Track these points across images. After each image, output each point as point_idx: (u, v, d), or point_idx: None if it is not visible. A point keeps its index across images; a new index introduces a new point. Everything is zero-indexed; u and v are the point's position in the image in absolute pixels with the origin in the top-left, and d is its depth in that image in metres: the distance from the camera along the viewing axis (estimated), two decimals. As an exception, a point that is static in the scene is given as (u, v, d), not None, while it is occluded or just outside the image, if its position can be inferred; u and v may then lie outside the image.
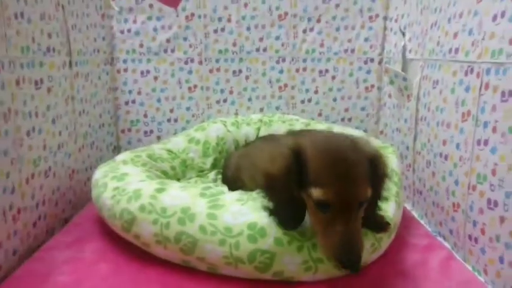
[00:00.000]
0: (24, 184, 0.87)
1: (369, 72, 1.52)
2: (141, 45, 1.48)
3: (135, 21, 1.46)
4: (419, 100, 1.13)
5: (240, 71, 1.52)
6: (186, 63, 1.50)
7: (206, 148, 1.34)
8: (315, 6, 1.46)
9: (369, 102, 1.54)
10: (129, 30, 1.46)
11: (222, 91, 1.53)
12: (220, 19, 1.47)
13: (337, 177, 0.65)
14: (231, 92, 1.54)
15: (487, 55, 0.80)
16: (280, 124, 1.43)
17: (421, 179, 1.12)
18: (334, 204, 0.65)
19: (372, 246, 0.79)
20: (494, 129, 0.78)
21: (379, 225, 0.81)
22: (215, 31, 1.47)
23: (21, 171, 0.86)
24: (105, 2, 1.42)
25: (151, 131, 1.56)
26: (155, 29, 1.47)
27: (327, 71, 1.52)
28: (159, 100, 1.53)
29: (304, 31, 1.48)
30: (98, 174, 0.99)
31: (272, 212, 0.76)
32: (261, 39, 1.49)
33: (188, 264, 0.80)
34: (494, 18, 0.78)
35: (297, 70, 1.52)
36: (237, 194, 0.86)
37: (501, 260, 0.75)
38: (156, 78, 1.51)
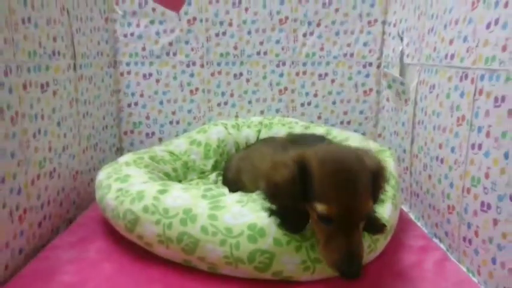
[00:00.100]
0: (30, 185, 0.89)
1: (367, 76, 1.54)
2: (144, 49, 1.50)
3: (138, 25, 1.48)
4: (416, 104, 1.15)
5: (241, 74, 1.54)
6: (187, 66, 1.53)
7: (207, 150, 1.36)
8: (315, 10, 1.48)
9: (368, 106, 1.57)
10: (132, 34, 1.49)
11: (223, 94, 1.56)
12: (221, 23, 1.49)
13: (341, 194, 0.66)
14: (232, 95, 1.56)
15: (481, 61, 0.82)
16: (280, 127, 1.45)
17: (418, 182, 1.14)
18: (337, 219, 0.66)
19: (369, 248, 0.81)
20: (487, 134, 0.80)
21: (376, 227, 0.83)
22: (217, 35, 1.50)
23: (28, 172, 0.88)
24: (109, 6, 1.44)
25: (154, 133, 1.58)
26: (158, 33, 1.49)
27: (326, 74, 1.54)
28: (161, 102, 1.55)
29: (304, 35, 1.51)
30: (102, 175, 1.01)
31: (273, 213, 0.78)
32: (261, 43, 1.51)
33: (189, 264, 0.82)
34: (488, 26, 0.81)
35: (297, 73, 1.54)
36: (237, 195, 0.88)
37: (493, 261, 0.78)
38: (158, 81, 1.53)
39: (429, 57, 1.08)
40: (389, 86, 1.35)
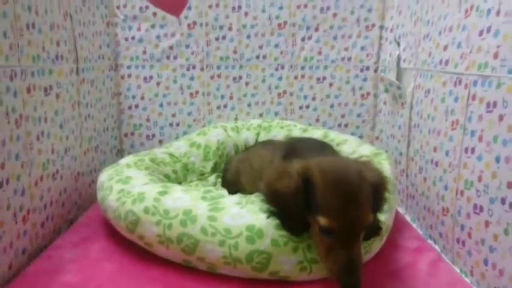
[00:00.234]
0: (33, 186, 0.91)
1: (365, 79, 1.56)
2: (145, 52, 1.52)
3: (139, 29, 1.50)
4: (412, 108, 1.17)
5: (240, 78, 1.56)
6: (188, 69, 1.55)
7: (207, 152, 1.38)
8: (313, 15, 1.51)
9: (365, 109, 1.59)
10: (133, 38, 1.51)
11: (222, 97, 1.58)
12: (221, 27, 1.51)
13: (344, 208, 0.69)
14: (231, 98, 1.58)
15: (474, 68, 0.85)
16: (279, 129, 1.47)
17: (414, 184, 1.16)
18: (338, 232, 0.69)
19: (364, 249, 0.83)
20: (480, 138, 0.82)
21: (371, 229, 0.85)
22: (216, 39, 1.52)
23: (31, 174, 0.90)
24: (110, 11, 1.46)
25: (154, 135, 1.60)
26: (158, 37, 1.51)
27: (324, 78, 1.56)
28: (161, 105, 1.57)
29: (303, 39, 1.53)
30: (103, 177, 1.03)
31: (272, 214, 0.80)
32: (260, 47, 1.54)
33: (189, 264, 0.84)
34: (481, 33, 0.83)
35: (296, 77, 1.56)
36: (236, 197, 0.90)
37: (485, 262, 0.80)
38: (158, 84, 1.55)
39: (425, 62, 1.10)
40: (386, 90, 1.37)
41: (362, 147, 1.22)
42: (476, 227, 0.83)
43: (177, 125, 1.59)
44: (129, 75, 1.54)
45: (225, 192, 0.93)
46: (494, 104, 0.78)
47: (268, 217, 0.80)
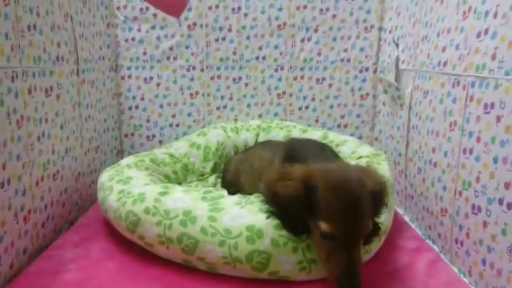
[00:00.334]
0: (34, 187, 0.92)
1: (364, 80, 1.57)
2: (145, 53, 1.53)
3: (139, 30, 1.51)
4: (411, 109, 1.18)
5: (240, 79, 1.57)
6: (188, 70, 1.55)
7: (207, 153, 1.39)
8: (313, 16, 1.51)
9: (364, 110, 1.59)
10: (133, 39, 1.52)
11: (222, 98, 1.58)
12: (221, 28, 1.52)
13: (345, 215, 0.70)
14: (231, 99, 1.59)
15: (472, 69, 0.85)
16: (278, 130, 1.48)
17: (413, 185, 1.17)
18: (339, 238, 0.70)
19: (363, 249, 0.84)
20: (478, 139, 0.83)
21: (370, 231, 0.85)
22: (216, 40, 1.53)
23: (32, 174, 0.91)
24: (111, 12, 1.47)
25: (154, 136, 1.61)
26: (158, 38, 1.52)
27: (323, 79, 1.57)
28: (161, 106, 1.58)
29: (302, 41, 1.54)
30: (104, 177, 1.04)
31: (272, 215, 0.80)
32: (260, 48, 1.54)
33: (189, 263, 0.84)
34: (478, 35, 0.83)
35: (295, 78, 1.57)
36: (236, 197, 0.90)
37: (483, 262, 0.80)
38: (158, 84, 1.56)
39: (423, 63, 1.10)
40: (385, 91, 1.38)
41: (361, 148, 1.22)
42: (475, 227, 0.84)
43: (177, 125, 1.60)
44: (129, 76, 1.55)
45: (224, 192, 0.94)
46: (492, 105, 0.78)
47: (267, 217, 0.80)
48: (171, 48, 1.53)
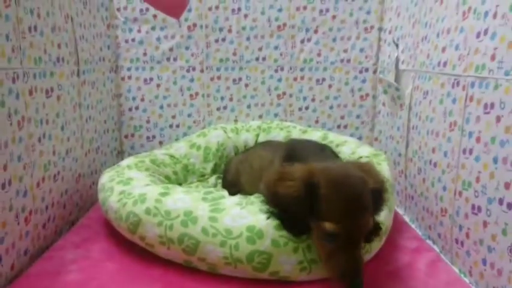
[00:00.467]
0: (35, 188, 0.92)
1: (364, 81, 1.57)
2: (145, 54, 1.53)
3: (139, 31, 1.51)
4: (411, 109, 1.18)
5: (240, 79, 1.57)
6: (187, 71, 1.56)
7: (207, 154, 1.39)
8: (313, 17, 1.52)
9: (364, 110, 1.60)
10: (133, 40, 1.52)
11: (222, 98, 1.59)
12: (221, 29, 1.52)
13: (347, 214, 0.70)
14: (231, 100, 1.59)
15: (472, 69, 0.86)
16: (279, 131, 1.48)
17: (413, 185, 1.17)
18: (341, 237, 0.70)
19: (364, 249, 0.84)
20: (478, 140, 0.83)
21: (371, 230, 0.85)
22: (216, 41, 1.53)
23: (33, 175, 0.91)
24: (111, 13, 1.47)
25: (154, 137, 1.61)
26: (158, 39, 1.52)
27: (323, 79, 1.57)
28: (161, 107, 1.58)
29: (302, 41, 1.54)
30: (104, 178, 1.04)
31: (272, 215, 0.81)
32: (260, 49, 1.55)
33: (190, 264, 0.84)
34: (478, 35, 0.84)
35: (295, 79, 1.57)
36: (236, 198, 0.91)
37: (484, 262, 0.80)
38: (158, 85, 1.56)
39: (423, 64, 1.11)
40: (385, 92, 1.38)
41: (361, 149, 1.22)
42: (475, 227, 0.84)
43: (177, 126, 1.60)
44: (130, 77, 1.55)
45: (225, 193, 0.94)
46: (492, 106, 0.78)
47: (268, 218, 0.80)
48: (171, 49, 1.53)
